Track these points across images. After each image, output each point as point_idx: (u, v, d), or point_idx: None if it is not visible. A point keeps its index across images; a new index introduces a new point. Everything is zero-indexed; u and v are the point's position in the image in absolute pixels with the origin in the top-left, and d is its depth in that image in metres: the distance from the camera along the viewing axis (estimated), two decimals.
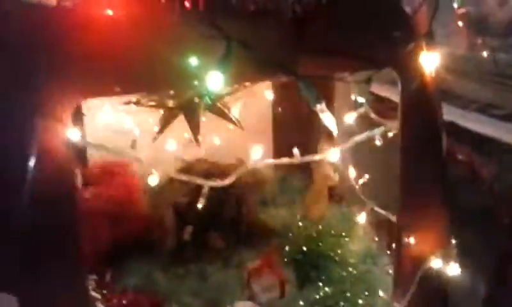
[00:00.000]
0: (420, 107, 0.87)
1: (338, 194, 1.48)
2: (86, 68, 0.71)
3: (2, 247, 0.73)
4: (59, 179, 0.74)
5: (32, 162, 0.71)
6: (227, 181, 0.91)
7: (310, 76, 0.76)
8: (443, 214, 0.97)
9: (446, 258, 0.98)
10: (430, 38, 0.85)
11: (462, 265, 1.00)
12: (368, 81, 0.83)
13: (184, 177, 0.97)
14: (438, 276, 0.98)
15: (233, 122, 1.37)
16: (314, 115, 1.36)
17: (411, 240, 0.96)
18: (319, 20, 0.76)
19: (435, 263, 0.96)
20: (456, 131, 1.39)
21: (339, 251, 1.29)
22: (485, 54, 1.50)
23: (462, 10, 1.57)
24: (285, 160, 0.92)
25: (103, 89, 0.74)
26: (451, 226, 1.03)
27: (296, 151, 0.91)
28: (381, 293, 1.14)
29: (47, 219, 0.73)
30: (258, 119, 1.51)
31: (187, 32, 0.68)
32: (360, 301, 1.12)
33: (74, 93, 0.74)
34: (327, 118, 0.78)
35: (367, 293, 1.13)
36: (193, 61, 0.67)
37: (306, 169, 1.47)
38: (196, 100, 1.27)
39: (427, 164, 0.93)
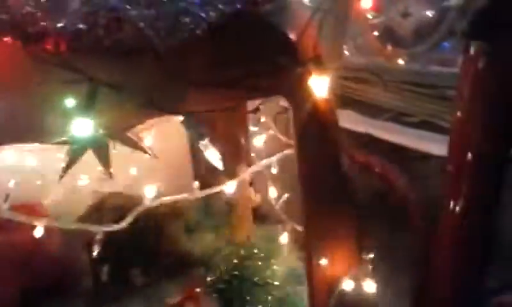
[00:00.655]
0: (314, 132, 0.86)
1: (261, 215, 1.46)
2: None
3: None
4: None
5: None
6: (123, 224, 0.86)
7: (194, 111, 0.73)
8: (352, 234, 0.97)
9: (361, 276, 0.98)
10: (319, 62, 0.84)
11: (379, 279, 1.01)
12: (256, 111, 0.81)
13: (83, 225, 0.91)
14: (355, 296, 0.97)
15: (146, 151, 1.32)
16: (234, 138, 1.35)
17: (323, 263, 0.95)
18: (199, 53, 0.73)
19: (348, 284, 0.95)
20: (370, 142, 1.41)
21: (264, 274, 1.26)
22: (400, 62, 1.54)
23: (374, 20, 1.61)
24: (179, 197, 0.88)
25: None
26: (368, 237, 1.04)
27: (195, 185, 0.87)
28: None
29: None
30: (175, 146, 1.47)
31: (46, 78, 0.63)
32: None
33: None
34: (211, 154, 0.75)
35: None
36: (56, 108, 0.62)
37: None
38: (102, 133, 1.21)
39: (327, 188, 0.92)
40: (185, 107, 0.73)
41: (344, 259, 0.96)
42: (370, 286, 0.99)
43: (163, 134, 1.40)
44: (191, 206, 1.51)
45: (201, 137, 0.71)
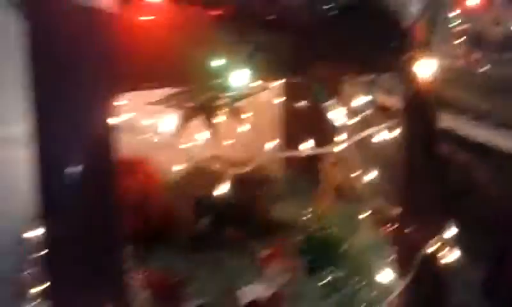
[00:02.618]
0: (417, 109, 0.99)
1: (345, 193, 1.59)
2: (131, 65, 0.84)
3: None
4: (104, 161, 0.87)
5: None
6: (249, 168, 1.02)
7: (321, 77, 0.89)
8: (441, 204, 1.09)
9: (444, 245, 1.10)
10: (428, 48, 0.97)
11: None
12: (373, 83, 0.96)
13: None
14: (436, 261, 1.09)
15: (245, 124, 1.50)
16: (322, 116, 1.49)
17: (412, 227, 1.08)
18: (331, 30, 0.89)
19: (433, 248, 1.07)
20: (454, 138, 1.51)
21: (345, 243, 1.40)
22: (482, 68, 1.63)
23: (461, 27, 1.70)
24: (296, 152, 1.02)
25: (145, 82, 0.87)
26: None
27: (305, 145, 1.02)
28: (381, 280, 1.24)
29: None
30: (268, 124, 1.62)
31: (216, 37, 0.81)
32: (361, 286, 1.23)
33: (119, 87, 0.87)
34: (334, 114, 0.90)
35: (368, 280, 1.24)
36: (220, 60, 0.80)
37: (314, 170, 1.59)
38: (215, 100, 1.40)
39: (426, 160, 1.05)
40: (311, 74, 0.88)
41: (432, 226, 1.08)
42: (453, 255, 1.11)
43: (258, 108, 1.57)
44: (279, 180, 1.68)
45: (327, 98, 0.86)
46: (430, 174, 1.09)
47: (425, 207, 1.10)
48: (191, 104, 1.43)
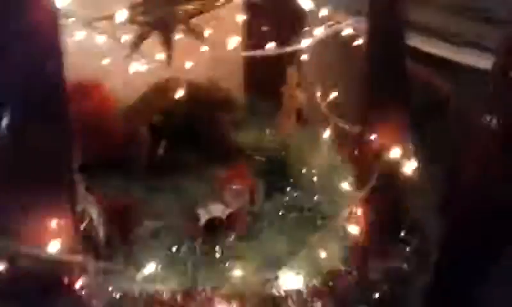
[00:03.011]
0: (387, 17, 0.95)
1: (305, 115, 1.56)
2: None
3: None
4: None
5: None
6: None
7: None
8: (403, 113, 1.07)
9: (404, 155, 1.09)
10: None
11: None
12: None
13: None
14: (395, 171, 1.08)
15: (205, 41, 1.42)
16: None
17: (373, 137, 1.06)
18: None
19: (392, 158, 1.06)
20: (418, 56, 1.49)
21: (305, 163, 1.38)
22: None
23: None
24: (260, 51, 0.95)
25: None
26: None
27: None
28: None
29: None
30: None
31: None
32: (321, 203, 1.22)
33: None
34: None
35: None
36: None
37: (275, 93, 1.55)
38: (170, 17, 1.30)
39: (390, 69, 1.01)
40: None
41: (393, 137, 1.06)
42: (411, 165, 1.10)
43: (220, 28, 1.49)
44: (241, 102, 1.63)
45: None
46: (393, 87, 1.07)
47: (387, 122, 1.08)
48: (145, 20, 1.34)
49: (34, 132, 0.82)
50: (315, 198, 1.24)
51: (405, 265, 1.13)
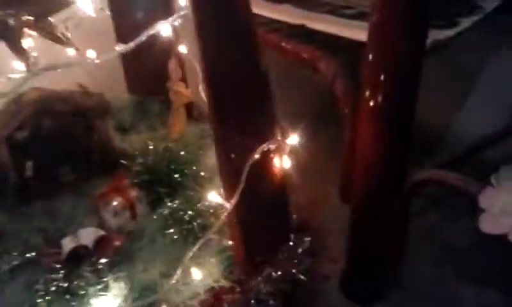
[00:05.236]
0: None
1: (196, 111, 1.43)
2: None
3: None
4: None
5: None
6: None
7: None
8: (269, 108, 0.94)
9: (278, 151, 0.97)
10: None
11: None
12: None
13: None
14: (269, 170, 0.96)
15: (63, 42, 1.26)
16: None
17: (237, 138, 0.93)
18: None
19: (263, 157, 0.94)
20: (306, 33, 1.38)
21: (193, 166, 1.26)
22: None
23: None
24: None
25: None
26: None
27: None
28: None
29: None
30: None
31: None
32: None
33: None
34: None
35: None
36: None
37: (162, 91, 1.41)
38: (13, 21, 1.14)
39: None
40: None
41: (259, 134, 0.94)
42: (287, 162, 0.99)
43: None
44: (124, 105, 1.49)
45: None
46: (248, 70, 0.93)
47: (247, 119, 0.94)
48: None
49: None
50: (197, 206, 1.11)
51: (297, 268, 1.03)
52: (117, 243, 1.05)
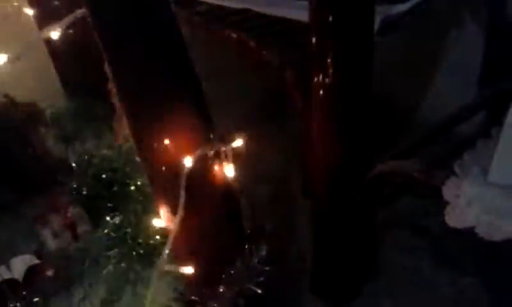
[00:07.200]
0: None
1: None
2: None
3: None
4: None
5: None
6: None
7: None
8: (197, 113, 0.83)
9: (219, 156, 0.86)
10: None
11: None
12: None
13: None
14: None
15: None
16: None
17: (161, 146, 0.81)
18: None
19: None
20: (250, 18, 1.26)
21: (138, 175, 1.15)
22: None
23: None
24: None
25: None
26: None
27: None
28: None
29: None
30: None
31: None
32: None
33: None
34: None
35: None
36: None
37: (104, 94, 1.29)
38: None
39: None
40: None
41: (188, 139, 0.83)
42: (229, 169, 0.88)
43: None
44: (64, 112, 1.37)
45: None
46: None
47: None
48: None
49: None
50: (142, 220, 1.01)
51: (253, 280, 0.93)
52: (49, 273, 0.95)
